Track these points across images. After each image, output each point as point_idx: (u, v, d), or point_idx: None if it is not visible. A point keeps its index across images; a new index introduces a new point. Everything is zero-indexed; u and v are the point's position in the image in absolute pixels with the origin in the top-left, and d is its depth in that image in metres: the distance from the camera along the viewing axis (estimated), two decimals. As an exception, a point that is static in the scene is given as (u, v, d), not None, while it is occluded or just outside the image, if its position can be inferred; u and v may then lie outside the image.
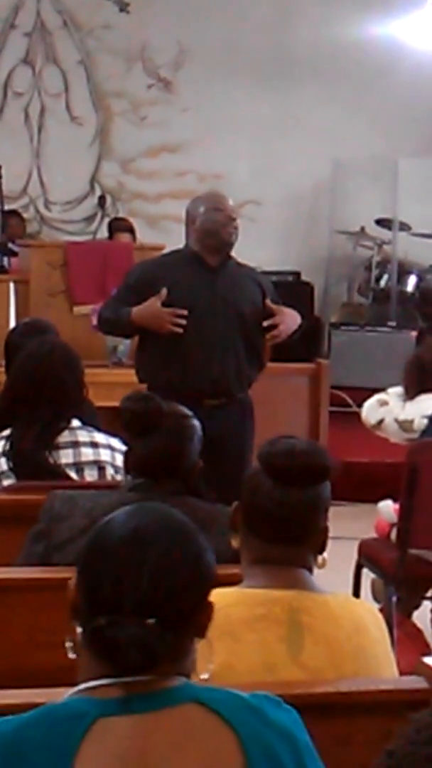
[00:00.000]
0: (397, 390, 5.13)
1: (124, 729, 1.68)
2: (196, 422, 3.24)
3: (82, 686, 1.75)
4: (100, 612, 1.73)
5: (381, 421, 5.09)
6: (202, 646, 1.82)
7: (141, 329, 5.07)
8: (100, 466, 3.89)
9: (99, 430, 4.00)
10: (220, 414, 4.91)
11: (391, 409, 5.06)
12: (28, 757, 1.64)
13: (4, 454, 3.88)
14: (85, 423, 3.98)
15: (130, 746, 1.67)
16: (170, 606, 1.74)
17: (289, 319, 5.12)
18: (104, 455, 3.89)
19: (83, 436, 3.92)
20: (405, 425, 4.98)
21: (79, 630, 1.78)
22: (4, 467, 3.87)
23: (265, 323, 5.05)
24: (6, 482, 3.85)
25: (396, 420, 5.03)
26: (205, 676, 1.81)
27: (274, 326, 5.04)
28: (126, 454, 3.29)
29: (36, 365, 3.97)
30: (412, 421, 4.96)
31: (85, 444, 3.90)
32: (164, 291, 4.95)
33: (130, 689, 1.71)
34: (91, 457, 3.89)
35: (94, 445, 3.91)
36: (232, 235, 5.06)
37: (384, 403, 5.11)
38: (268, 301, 5.10)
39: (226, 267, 5.13)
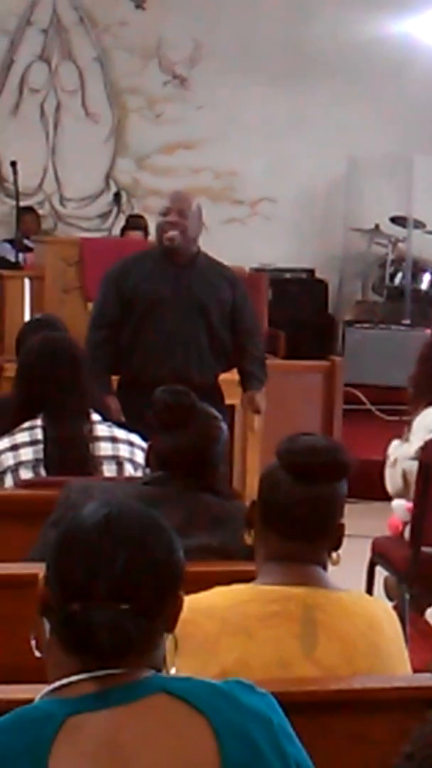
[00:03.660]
0: (394, 443, 4.96)
1: (95, 725, 1.67)
2: (224, 425, 3.23)
3: (51, 687, 1.74)
4: (73, 600, 1.72)
5: (404, 475, 4.91)
6: (169, 641, 1.81)
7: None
8: (118, 462, 3.87)
9: (119, 425, 4.00)
10: None
11: (402, 457, 4.82)
12: (5, 763, 1.63)
13: (34, 443, 3.82)
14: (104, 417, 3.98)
15: (102, 741, 1.66)
16: (143, 593, 1.73)
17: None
18: (123, 450, 3.87)
19: (103, 431, 3.90)
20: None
21: (47, 627, 1.78)
22: (24, 458, 3.81)
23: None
24: (25, 475, 3.80)
25: (411, 458, 4.83)
26: (172, 671, 1.80)
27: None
28: (149, 447, 3.27)
29: (54, 349, 3.97)
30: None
31: (104, 438, 3.89)
32: None
33: (99, 684, 1.70)
34: (110, 452, 3.87)
35: (114, 440, 3.90)
36: (174, 240, 5.24)
37: (393, 463, 4.94)
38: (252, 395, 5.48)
39: (194, 263, 5.32)
